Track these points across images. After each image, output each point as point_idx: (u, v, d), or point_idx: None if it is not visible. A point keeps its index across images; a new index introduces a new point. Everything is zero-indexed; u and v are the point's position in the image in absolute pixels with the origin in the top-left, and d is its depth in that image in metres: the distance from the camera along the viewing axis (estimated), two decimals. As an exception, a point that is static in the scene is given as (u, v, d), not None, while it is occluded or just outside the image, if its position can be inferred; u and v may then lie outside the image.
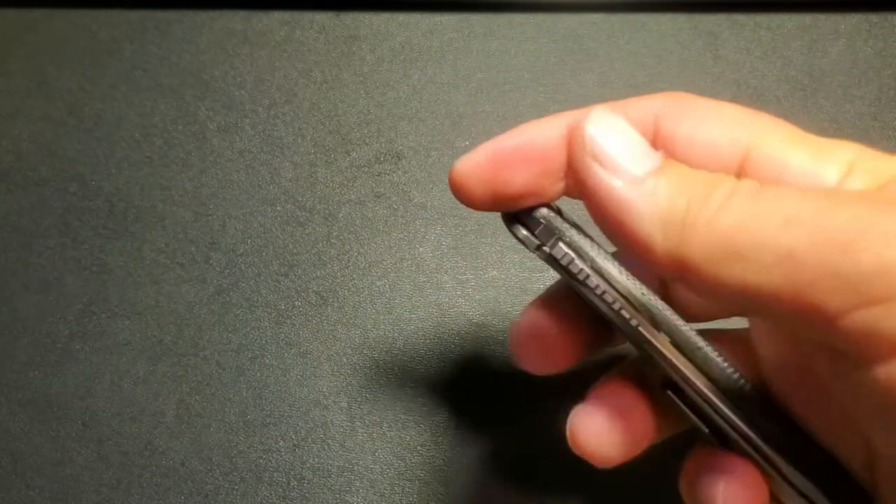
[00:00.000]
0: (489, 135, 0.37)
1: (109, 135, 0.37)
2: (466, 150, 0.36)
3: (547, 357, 0.24)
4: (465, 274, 0.34)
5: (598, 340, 0.25)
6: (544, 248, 0.23)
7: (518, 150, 0.23)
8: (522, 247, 0.24)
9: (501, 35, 0.38)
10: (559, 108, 0.38)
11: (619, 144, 0.20)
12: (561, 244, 0.23)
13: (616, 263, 0.23)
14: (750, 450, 0.22)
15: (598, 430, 0.23)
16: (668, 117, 0.22)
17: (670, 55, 0.38)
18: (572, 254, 0.23)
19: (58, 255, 0.35)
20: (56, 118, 0.37)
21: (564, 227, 0.23)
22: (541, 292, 0.26)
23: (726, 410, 0.22)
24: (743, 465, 0.22)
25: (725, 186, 0.18)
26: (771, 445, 0.21)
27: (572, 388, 0.25)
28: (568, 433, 0.24)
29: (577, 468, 0.29)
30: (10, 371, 0.33)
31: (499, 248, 0.34)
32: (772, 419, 0.22)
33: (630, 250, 0.20)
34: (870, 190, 0.18)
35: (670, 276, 0.19)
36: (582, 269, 0.23)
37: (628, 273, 0.23)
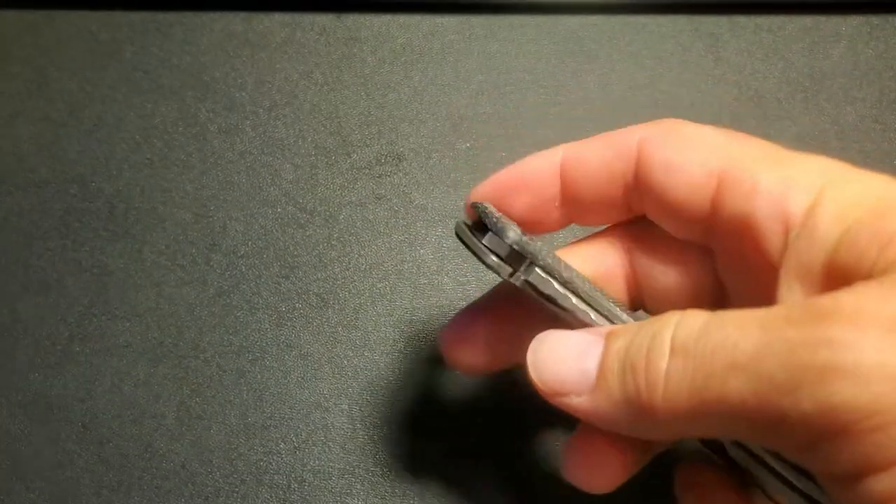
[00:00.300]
0: (490, 136, 0.37)
1: (110, 136, 0.37)
2: (467, 151, 0.36)
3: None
4: (466, 276, 0.34)
5: None
6: (518, 274, 0.23)
7: (513, 182, 0.24)
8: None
9: (502, 37, 0.38)
10: (560, 109, 0.38)
11: (563, 367, 0.21)
12: (537, 270, 0.22)
13: (593, 286, 0.23)
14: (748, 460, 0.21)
15: (593, 463, 0.24)
16: (650, 143, 0.22)
17: (671, 57, 0.38)
18: (551, 279, 0.22)
19: (58, 256, 0.35)
20: (56, 119, 0.37)
21: (537, 249, 0.22)
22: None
23: None
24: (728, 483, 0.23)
25: (661, 343, 0.19)
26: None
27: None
28: (563, 468, 0.24)
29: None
30: (10, 373, 0.33)
31: (500, 250, 0.34)
32: None
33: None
34: (816, 302, 0.17)
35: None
36: (564, 295, 0.22)
37: (608, 294, 0.23)
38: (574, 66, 0.38)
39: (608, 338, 0.21)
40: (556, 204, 0.24)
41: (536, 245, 0.22)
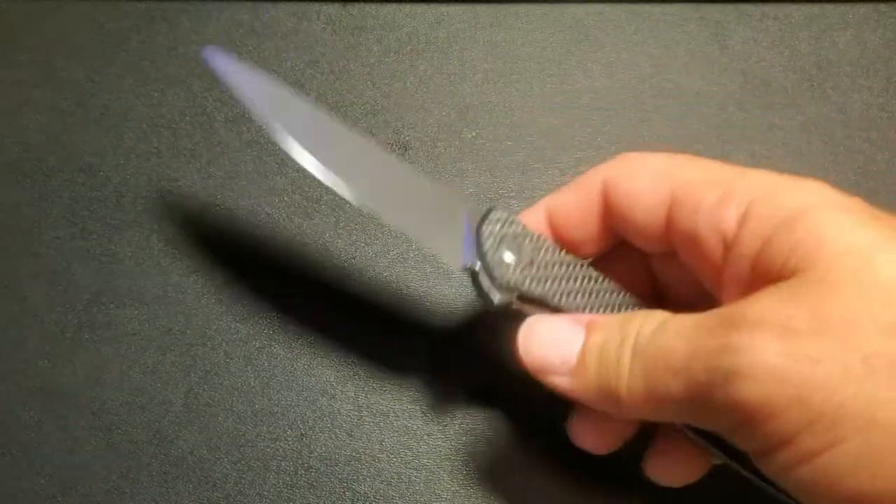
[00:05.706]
0: (496, 125, 0.37)
1: (117, 126, 0.37)
2: (473, 140, 0.36)
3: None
4: (472, 264, 0.34)
5: None
6: (514, 302, 0.27)
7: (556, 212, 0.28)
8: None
9: (508, 25, 0.38)
10: (566, 98, 0.38)
11: (548, 350, 0.25)
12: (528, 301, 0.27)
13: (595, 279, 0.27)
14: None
15: (592, 431, 0.28)
16: (611, 178, 0.26)
17: (677, 45, 0.38)
18: (542, 306, 0.27)
19: (66, 245, 0.35)
20: (64, 109, 0.37)
21: (522, 282, 0.26)
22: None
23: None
24: None
25: (627, 346, 0.23)
26: None
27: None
28: (569, 435, 0.29)
29: (584, 457, 0.29)
30: (19, 361, 0.33)
31: (505, 238, 0.34)
32: None
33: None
34: (728, 310, 0.21)
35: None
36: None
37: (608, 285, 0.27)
38: (580, 55, 0.38)
39: (588, 330, 0.25)
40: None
41: (525, 277, 0.26)
